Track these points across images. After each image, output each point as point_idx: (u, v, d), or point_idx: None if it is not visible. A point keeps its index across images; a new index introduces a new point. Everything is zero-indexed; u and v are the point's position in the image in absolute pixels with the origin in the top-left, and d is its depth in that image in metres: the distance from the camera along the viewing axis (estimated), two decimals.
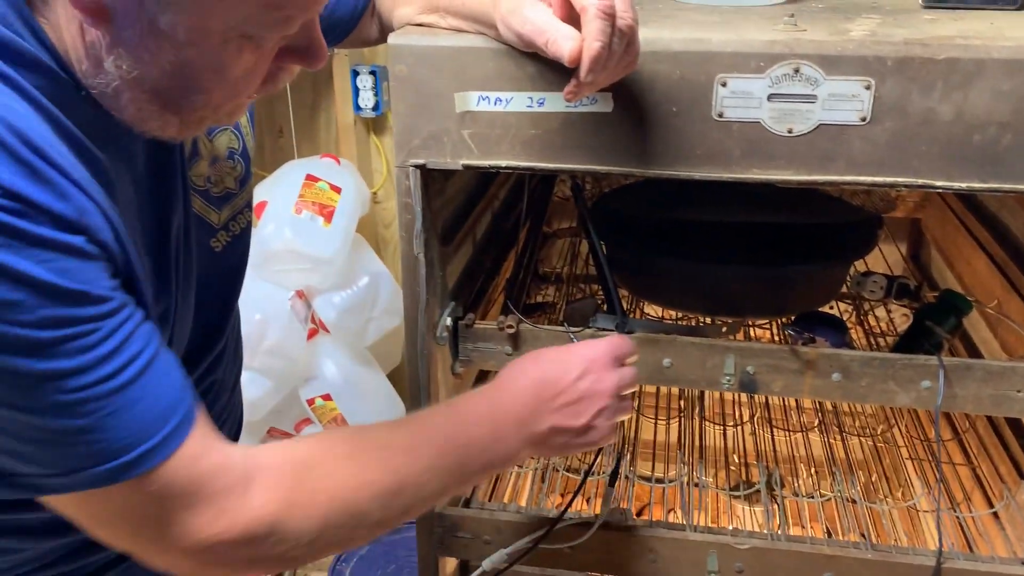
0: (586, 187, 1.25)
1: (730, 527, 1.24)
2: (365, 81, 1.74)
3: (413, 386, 0.95)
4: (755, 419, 1.37)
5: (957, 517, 1.07)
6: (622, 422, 0.77)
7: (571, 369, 0.75)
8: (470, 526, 0.99)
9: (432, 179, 0.87)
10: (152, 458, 0.57)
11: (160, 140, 0.62)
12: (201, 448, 0.60)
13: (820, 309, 1.13)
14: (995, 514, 1.05)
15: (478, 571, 0.97)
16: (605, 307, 1.03)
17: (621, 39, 0.67)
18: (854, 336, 1.25)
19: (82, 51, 0.55)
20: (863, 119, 0.74)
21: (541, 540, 0.95)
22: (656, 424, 1.37)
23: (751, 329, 1.29)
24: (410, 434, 0.70)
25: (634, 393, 0.80)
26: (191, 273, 0.73)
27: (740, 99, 0.75)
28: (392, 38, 0.80)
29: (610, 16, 0.65)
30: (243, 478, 0.61)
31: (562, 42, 0.66)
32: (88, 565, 0.72)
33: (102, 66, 0.55)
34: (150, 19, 0.53)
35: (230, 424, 0.89)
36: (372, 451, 0.67)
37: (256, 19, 0.55)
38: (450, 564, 1.06)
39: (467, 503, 1.05)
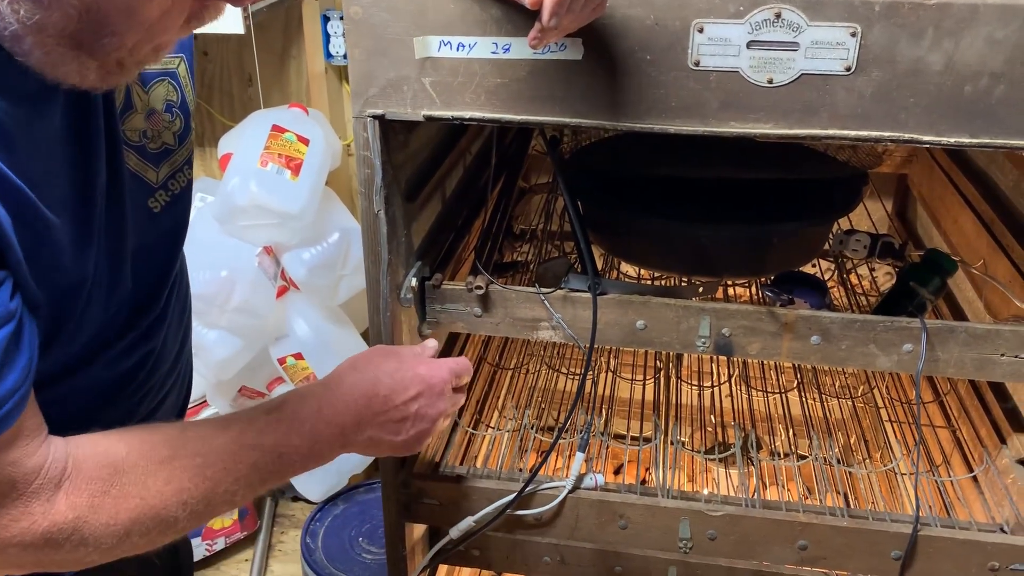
0: (564, 140, 1.20)
1: (705, 491, 1.22)
2: (336, 27, 1.67)
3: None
4: (733, 379, 1.34)
5: (936, 481, 1.05)
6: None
7: (407, 388, 0.77)
8: (437, 493, 0.96)
9: (393, 131, 0.82)
10: None
11: (80, 89, 0.57)
12: (21, 452, 0.58)
13: (801, 268, 1.09)
14: (975, 478, 1.03)
15: (445, 538, 0.95)
16: (579, 267, 1.00)
17: None
18: (836, 296, 1.21)
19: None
20: (848, 69, 0.69)
21: (509, 507, 0.92)
22: (632, 383, 1.34)
23: (729, 289, 1.25)
24: (230, 441, 0.69)
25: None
26: (123, 234, 0.69)
27: (717, 46, 0.71)
28: None
29: None
30: (53, 481, 0.60)
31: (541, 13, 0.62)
32: None
33: (5, 33, 0.51)
34: None
35: (175, 394, 0.86)
36: (189, 458, 0.66)
37: None
38: (418, 529, 1.03)
39: (436, 468, 1.02)
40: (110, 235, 0.67)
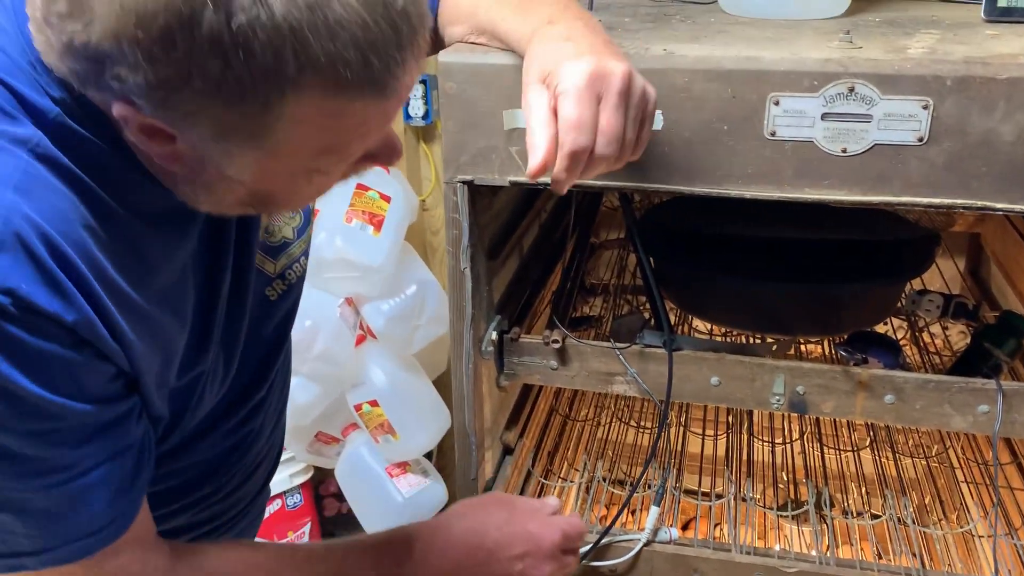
0: (635, 198, 1.24)
1: (777, 547, 1.22)
2: (416, 90, 1.75)
3: (458, 399, 0.95)
4: (805, 436, 1.34)
5: (1016, 545, 1.04)
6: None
7: (513, 545, 0.76)
8: None
9: (479, 194, 0.87)
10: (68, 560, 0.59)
11: None
12: (127, 557, 0.62)
13: (874, 327, 1.10)
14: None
15: None
16: (653, 322, 1.03)
17: (609, 146, 0.63)
18: (908, 353, 1.22)
19: (157, 169, 0.57)
20: (920, 139, 0.72)
21: (586, 558, 0.94)
22: (703, 438, 1.35)
23: (802, 347, 1.26)
24: (329, 571, 0.71)
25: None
26: (240, 326, 0.72)
27: (793, 118, 0.74)
28: (443, 56, 0.81)
29: (583, 132, 0.62)
30: None
31: (529, 153, 0.63)
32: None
33: (178, 188, 0.58)
34: (218, 170, 0.55)
35: (266, 465, 0.88)
36: None
37: (317, 161, 0.56)
38: None
39: None
40: (228, 328, 0.70)
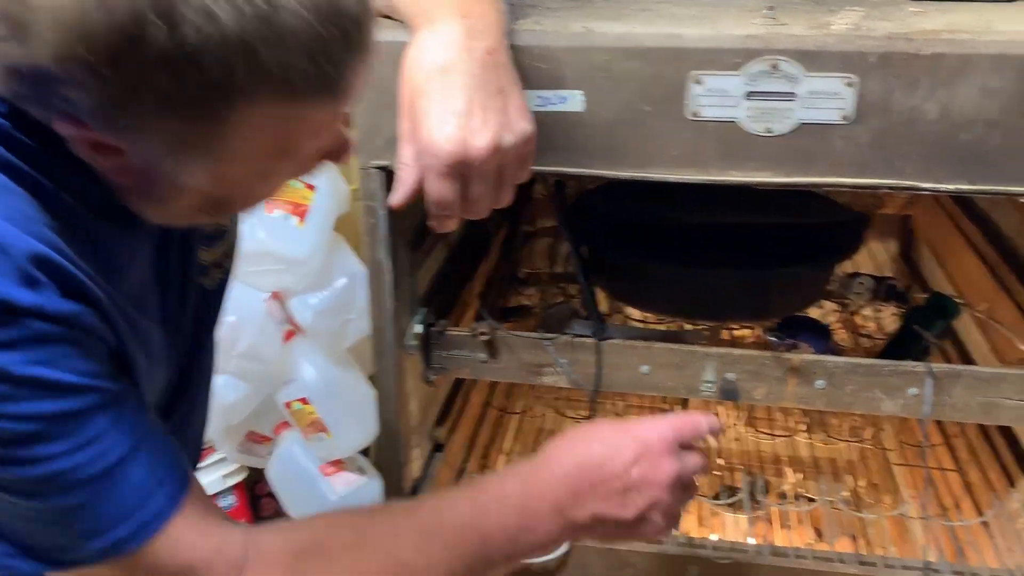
0: (568, 184, 1.21)
1: (716, 536, 1.21)
2: None
3: (382, 396, 0.91)
4: (740, 422, 1.34)
5: (947, 526, 1.04)
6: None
7: (623, 453, 0.65)
8: None
9: None
10: (133, 540, 0.55)
11: None
12: (193, 534, 0.58)
13: (805, 311, 1.10)
14: (985, 523, 1.01)
15: None
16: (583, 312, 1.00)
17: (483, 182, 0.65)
18: (841, 338, 1.21)
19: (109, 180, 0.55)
20: (845, 118, 0.70)
21: None
22: None
23: (736, 332, 1.25)
24: (424, 520, 0.64)
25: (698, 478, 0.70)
26: (182, 317, 0.70)
27: (716, 97, 0.72)
28: None
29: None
30: (233, 565, 0.58)
31: (395, 185, 0.66)
32: None
33: (130, 199, 0.56)
34: (170, 180, 0.53)
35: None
36: (378, 540, 0.62)
37: (271, 163, 0.55)
38: None
39: None
40: (167, 319, 0.67)
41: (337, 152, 0.59)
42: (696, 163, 0.74)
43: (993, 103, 0.68)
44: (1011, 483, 0.98)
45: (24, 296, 0.49)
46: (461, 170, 0.64)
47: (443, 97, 0.64)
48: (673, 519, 0.68)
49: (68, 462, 0.53)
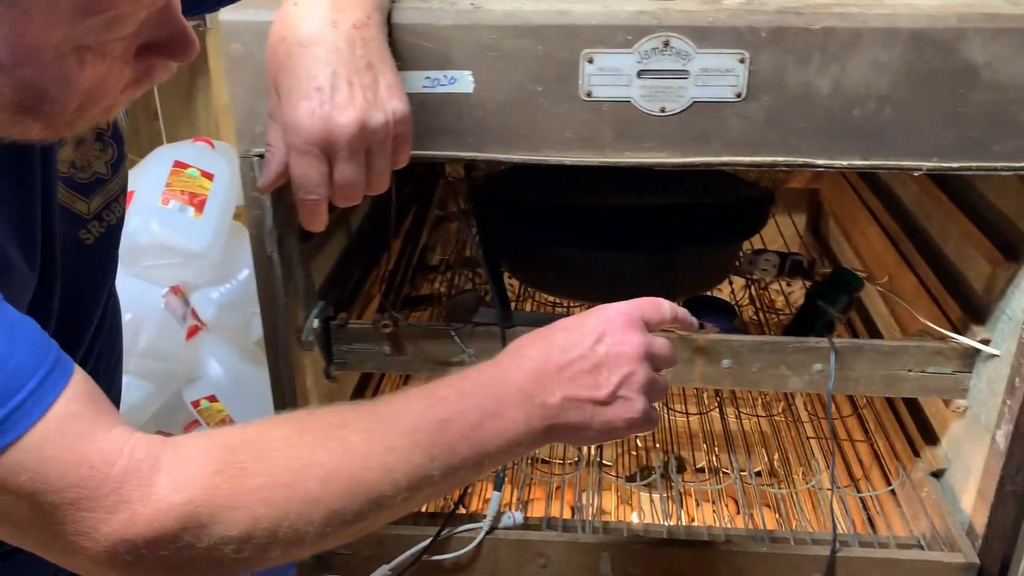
0: (479, 166, 1.18)
1: (633, 516, 1.21)
2: None
3: (277, 395, 0.87)
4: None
5: (857, 497, 1.06)
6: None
7: (586, 334, 0.61)
8: (350, 542, 0.92)
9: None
10: (20, 420, 0.47)
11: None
12: (87, 422, 0.50)
13: (715, 289, 1.09)
14: (893, 492, 1.03)
15: None
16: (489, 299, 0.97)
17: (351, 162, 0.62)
18: (751, 316, 1.21)
19: None
20: (738, 95, 0.69)
21: (425, 553, 0.89)
22: None
23: None
24: (373, 409, 0.58)
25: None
26: (53, 269, 0.64)
27: (608, 76, 0.69)
28: (225, 14, 0.72)
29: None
30: (147, 462, 0.50)
31: (263, 169, 0.65)
32: None
33: None
34: None
35: None
36: (321, 430, 0.56)
37: (80, 29, 0.49)
38: None
39: None
40: (42, 271, 0.62)
41: (176, 45, 0.54)
42: (591, 145, 0.72)
43: (884, 77, 0.67)
44: (916, 453, 1.00)
45: None
46: (325, 149, 0.60)
47: (306, 73, 0.60)
48: (656, 393, 0.63)
49: None
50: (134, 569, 0.50)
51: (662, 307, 0.66)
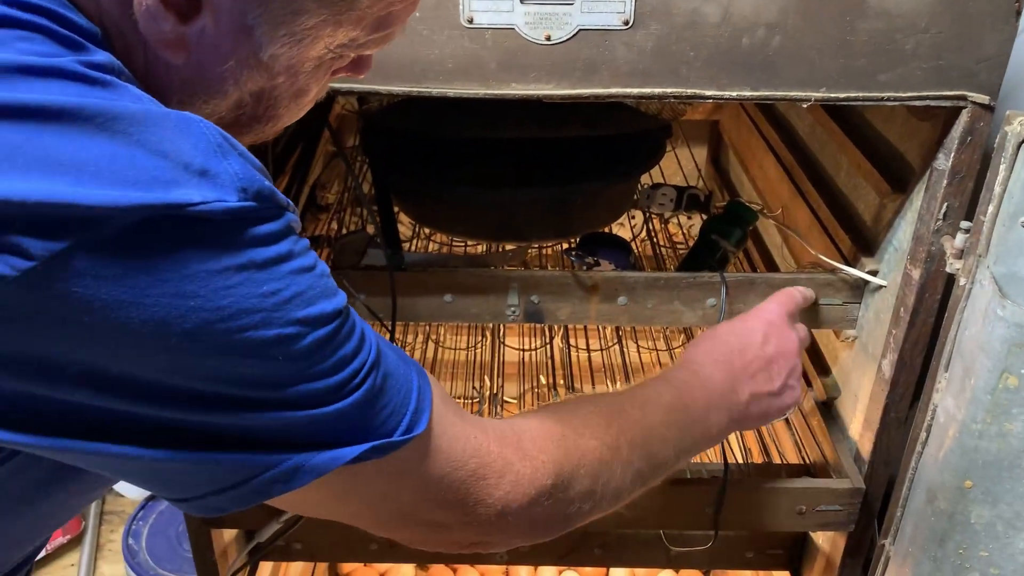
0: (372, 99, 1.12)
1: None
2: None
3: None
4: (557, 338, 1.33)
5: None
6: None
7: (754, 337, 0.74)
8: None
9: None
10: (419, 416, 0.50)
11: None
12: (452, 407, 0.54)
13: (613, 226, 1.08)
14: (787, 421, 1.05)
15: (252, 543, 0.88)
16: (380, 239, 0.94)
17: None
18: (647, 251, 1.21)
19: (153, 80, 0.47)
20: (626, 23, 0.66)
21: None
22: (455, 352, 1.31)
23: (544, 251, 1.23)
24: (633, 396, 0.66)
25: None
26: None
27: (491, 1, 0.65)
28: None
29: None
30: (511, 433, 0.56)
31: None
32: None
33: (171, 99, 0.47)
34: (253, 51, 0.46)
35: None
36: (608, 406, 0.64)
37: (359, 40, 0.49)
38: (228, 533, 0.96)
39: None
40: None
41: (362, 61, 0.55)
42: (475, 75, 0.68)
43: (773, 4, 0.65)
44: (808, 384, 1.02)
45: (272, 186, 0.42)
46: None
47: None
48: (802, 384, 0.77)
49: (362, 356, 0.47)
50: (509, 529, 0.56)
51: (796, 298, 0.81)
